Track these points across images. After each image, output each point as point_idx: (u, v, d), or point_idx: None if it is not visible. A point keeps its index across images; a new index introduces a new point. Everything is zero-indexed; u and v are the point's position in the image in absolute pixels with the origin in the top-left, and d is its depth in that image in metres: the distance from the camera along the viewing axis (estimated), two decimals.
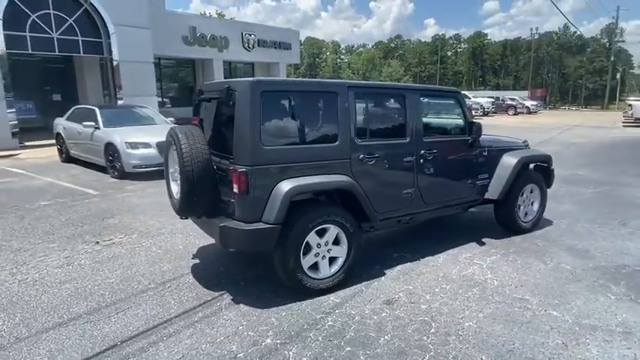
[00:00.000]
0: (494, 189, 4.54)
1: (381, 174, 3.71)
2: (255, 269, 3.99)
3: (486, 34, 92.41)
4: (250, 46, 20.89)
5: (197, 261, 4.25)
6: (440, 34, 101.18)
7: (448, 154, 4.21)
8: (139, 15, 14.45)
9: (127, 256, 4.38)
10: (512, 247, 4.43)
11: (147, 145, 8.26)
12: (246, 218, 3.17)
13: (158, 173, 8.32)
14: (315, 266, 3.44)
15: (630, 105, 19.83)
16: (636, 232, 4.91)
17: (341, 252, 3.52)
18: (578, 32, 70.53)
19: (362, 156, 3.58)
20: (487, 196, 4.58)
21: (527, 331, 2.86)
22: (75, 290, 3.63)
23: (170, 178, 3.78)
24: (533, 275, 3.76)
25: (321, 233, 3.41)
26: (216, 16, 61.43)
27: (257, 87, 3.13)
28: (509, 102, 34.20)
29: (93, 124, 9.04)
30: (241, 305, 3.32)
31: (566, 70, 73.01)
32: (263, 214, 3.17)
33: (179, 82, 21.64)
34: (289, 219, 3.18)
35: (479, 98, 33.08)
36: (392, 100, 4.00)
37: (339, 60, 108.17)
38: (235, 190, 3.14)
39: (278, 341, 2.82)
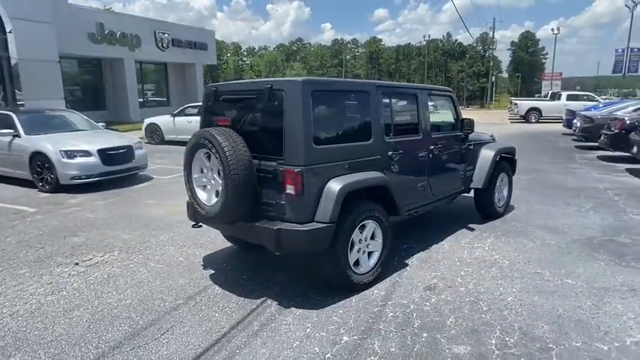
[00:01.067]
0: (479, 179, 5.03)
1: (404, 169, 3.91)
2: (280, 272, 3.92)
3: (381, 40, 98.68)
4: (164, 45, 19.72)
5: (211, 271, 4.02)
6: (339, 38, 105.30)
7: (448, 149, 4.58)
8: (41, 8, 12.79)
9: (127, 275, 3.97)
10: (498, 230, 4.96)
11: (87, 154, 7.42)
12: (301, 219, 3.13)
13: (102, 184, 7.57)
14: (357, 262, 3.52)
15: (516, 104, 22.92)
16: (582, 209, 5.82)
17: (377, 246, 3.65)
18: (459, 40, 78.88)
19: (390, 153, 3.75)
20: (472, 185, 5.06)
21: (561, 298, 3.29)
22: (92, 317, 3.21)
23: (194, 185, 3.54)
24: (530, 252, 4.28)
25: (361, 229, 3.49)
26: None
27: (308, 86, 3.12)
28: None
29: (10, 131, 7.82)
30: (292, 309, 3.26)
31: (450, 74, 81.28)
32: (315, 213, 3.16)
33: (83, 83, 19.54)
34: (339, 217, 3.22)
35: None
36: (408, 99, 4.23)
37: (240, 62, 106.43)
38: (291, 191, 3.08)
39: (355, 337, 2.85)
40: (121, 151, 7.92)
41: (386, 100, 3.81)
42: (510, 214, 5.60)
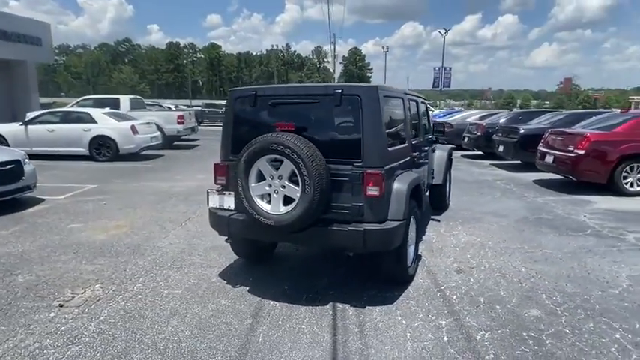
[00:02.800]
0: (438, 176, 5.81)
1: (419, 169, 4.35)
2: (317, 278, 3.92)
3: (220, 46, 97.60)
4: None
5: (246, 287, 3.75)
6: (173, 41, 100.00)
7: (430, 150, 5.20)
8: None
9: (150, 306, 3.41)
10: (457, 219, 5.80)
11: None
12: (379, 219, 3.26)
13: None
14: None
15: None
16: (495, 197, 7.23)
17: (414, 239, 3.98)
18: (297, 52, 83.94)
19: (415, 154, 4.14)
20: (434, 182, 5.81)
21: (554, 264, 4.18)
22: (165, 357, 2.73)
23: (252, 194, 3.30)
24: (498, 233, 5.19)
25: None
26: None
27: (381, 92, 3.28)
28: None
29: None
30: (369, 307, 3.35)
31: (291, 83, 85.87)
32: (388, 212, 3.33)
33: None
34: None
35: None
36: (417, 106, 4.66)
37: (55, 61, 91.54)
38: (374, 192, 3.18)
39: (449, 319, 3.14)
40: (8, 167, 6.35)
41: (408, 106, 4.19)
42: (453, 205, 6.58)
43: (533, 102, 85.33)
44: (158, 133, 12.93)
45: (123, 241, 4.98)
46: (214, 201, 3.74)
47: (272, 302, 3.46)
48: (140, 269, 4.16)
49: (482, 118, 13.69)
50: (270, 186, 3.32)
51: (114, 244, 4.89)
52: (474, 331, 3.00)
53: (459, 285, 3.73)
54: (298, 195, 3.15)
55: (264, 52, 70.60)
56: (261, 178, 3.34)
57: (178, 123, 14.69)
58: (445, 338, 2.90)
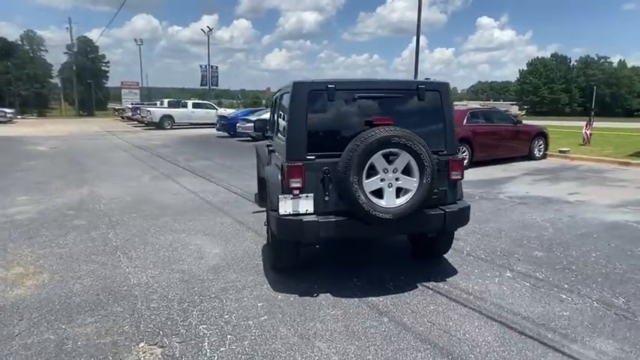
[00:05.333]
0: None
1: None
2: (367, 269, 4.21)
3: None
4: None
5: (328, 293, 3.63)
6: None
7: None
8: None
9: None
10: None
11: None
12: (455, 200, 3.82)
13: None
14: None
15: (149, 111, 23.60)
16: None
17: None
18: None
19: None
20: None
21: (553, 213, 5.73)
22: None
23: (365, 190, 3.35)
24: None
25: None
26: None
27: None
28: None
29: None
30: (464, 283, 3.91)
31: None
32: (460, 194, 3.91)
33: None
34: None
35: None
36: None
37: None
38: (458, 176, 3.74)
39: (550, 273, 4.07)
40: None
41: None
42: None
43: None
44: None
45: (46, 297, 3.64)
46: (287, 207, 3.47)
47: (374, 298, 3.57)
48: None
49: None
50: (382, 180, 3.39)
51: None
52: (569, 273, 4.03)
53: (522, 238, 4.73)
54: (415, 185, 3.41)
55: None
56: (372, 173, 3.36)
57: None
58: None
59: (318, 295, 3.57)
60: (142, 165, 11.18)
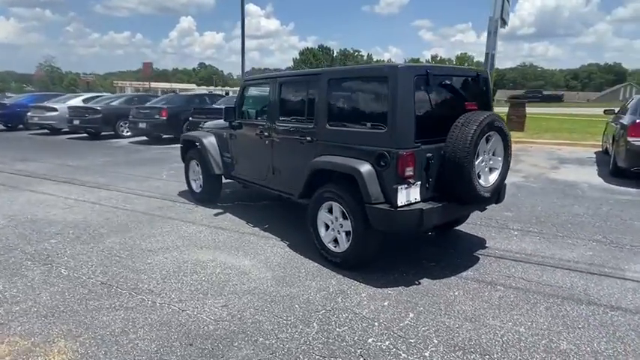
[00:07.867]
0: None
1: None
2: (412, 254, 4.42)
3: None
4: None
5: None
6: None
7: None
8: None
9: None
10: None
11: None
12: None
13: None
14: None
15: None
16: None
17: None
18: None
19: None
20: None
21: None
22: None
23: (472, 170, 3.48)
24: None
25: None
26: None
27: None
28: None
29: None
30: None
31: None
32: None
33: None
34: None
35: None
36: None
37: None
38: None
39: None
40: None
41: None
42: None
43: (14, 85, 75.04)
44: None
45: None
46: (403, 197, 3.38)
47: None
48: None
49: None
50: (483, 161, 3.65)
51: None
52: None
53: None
54: (500, 164, 3.79)
55: None
56: (477, 155, 3.54)
57: None
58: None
59: (419, 283, 3.58)
60: None
